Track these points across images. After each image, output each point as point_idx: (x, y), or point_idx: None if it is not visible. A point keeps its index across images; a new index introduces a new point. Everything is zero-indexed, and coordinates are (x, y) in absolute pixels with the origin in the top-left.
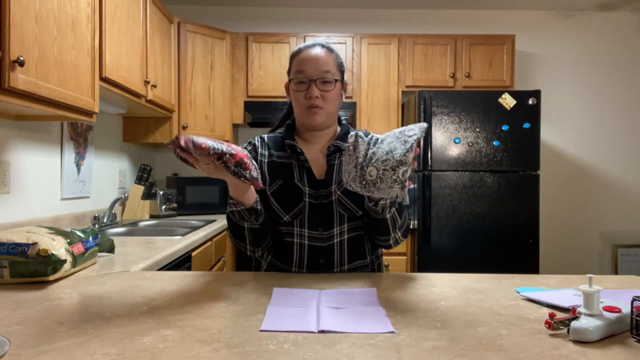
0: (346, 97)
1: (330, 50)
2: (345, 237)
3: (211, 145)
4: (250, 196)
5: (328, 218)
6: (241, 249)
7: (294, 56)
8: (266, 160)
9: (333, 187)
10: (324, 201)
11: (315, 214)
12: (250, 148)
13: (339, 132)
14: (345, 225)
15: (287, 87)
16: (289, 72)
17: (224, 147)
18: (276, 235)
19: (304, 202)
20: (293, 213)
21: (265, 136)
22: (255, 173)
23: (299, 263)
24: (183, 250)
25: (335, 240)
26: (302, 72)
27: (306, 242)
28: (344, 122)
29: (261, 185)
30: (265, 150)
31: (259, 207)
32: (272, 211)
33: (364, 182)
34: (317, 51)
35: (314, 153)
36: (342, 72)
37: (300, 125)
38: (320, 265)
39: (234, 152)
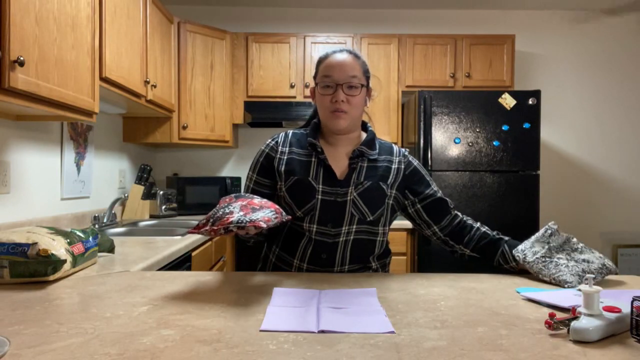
0: None
1: (357, 56)
2: (352, 237)
3: (267, 216)
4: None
5: (339, 216)
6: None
7: (321, 61)
8: (285, 157)
9: (350, 188)
10: (338, 199)
11: (327, 210)
12: (272, 144)
13: (365, 138)
14: (354, 226)
15: (312, 91)
16: (315, 77)
17: (270, 211)
18: (285, 228)
19: (317, 199)
20: (305, 209)
21: (291, 132)
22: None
23: (302, 256)
24: (183, 250)
25: (341, 239)
26: (329, 76)
27: (313, 236)
28: (370, 128)
29: (287, 217)
30: (286, 147)
31: (264, 231)
32: (284, 206)
33: (543, 258)
34: (344, 56)
35: (337, 155)
36: (367, 78)
37: (324, 128)
38: (322, 260)
39: (274, 211)
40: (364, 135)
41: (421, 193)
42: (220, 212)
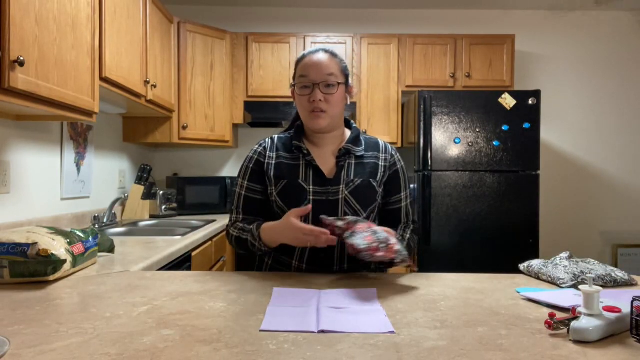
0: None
1: (333, 54)
2: None
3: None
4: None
5: (332, 215)
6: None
7: (298, 62)
8: (273, 162)
9: (341, 186)
10: (330, 198)
11: (320, 210)
12: (260, 149)
13: (350, 135)
14: None
15: (293, 92)
16: (294, 78)
17: (380, 234)
18: None
19: (308, 200)
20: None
21: (276, 137)
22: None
23: (300, 257)
24: (183, 250)
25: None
26: (305, 76)
27: None
28: (354, 125)
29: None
30: (273, 152)
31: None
32: (277, 211)
33: (545, 262)
34: (320, 56)
35: (324, 154)
36: (346, 76)
37: (306, 129)
38: (320, 260)
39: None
40: (348, 132)
41: (390, 197)
42: (382, 236)
